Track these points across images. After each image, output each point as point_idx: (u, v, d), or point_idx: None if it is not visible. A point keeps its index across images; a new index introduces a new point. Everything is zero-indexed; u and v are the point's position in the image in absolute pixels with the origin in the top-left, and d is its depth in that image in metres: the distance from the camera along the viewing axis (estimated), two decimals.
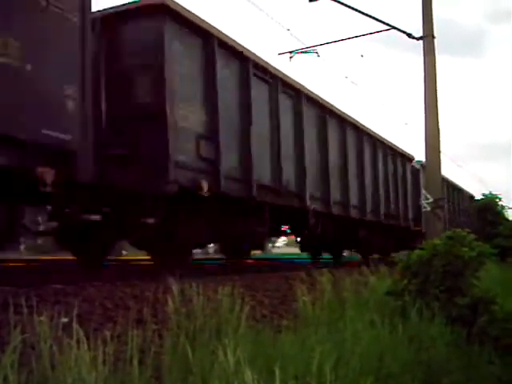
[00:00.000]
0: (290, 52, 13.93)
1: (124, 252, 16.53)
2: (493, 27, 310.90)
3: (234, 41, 9.31)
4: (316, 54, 14.10)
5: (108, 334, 2.77)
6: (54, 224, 7.67)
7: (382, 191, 15.98)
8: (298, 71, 28.25)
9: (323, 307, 5.52)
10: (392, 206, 16.92)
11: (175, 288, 3.93)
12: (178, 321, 3.57)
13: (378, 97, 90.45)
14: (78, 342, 2.57)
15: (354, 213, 13.81)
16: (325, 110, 12.67)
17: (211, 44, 8.55)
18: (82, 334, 2.62)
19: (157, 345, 3.18)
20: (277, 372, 2.55)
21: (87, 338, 2.75)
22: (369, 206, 14.84)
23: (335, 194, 12.90)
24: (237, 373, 2.60)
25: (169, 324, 3.63)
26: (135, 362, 2.56)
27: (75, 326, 2.68)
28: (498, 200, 25.27)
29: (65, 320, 3.36)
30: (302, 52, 13.96)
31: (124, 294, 5.15)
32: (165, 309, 3.93)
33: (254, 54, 9.85)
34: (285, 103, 10.88)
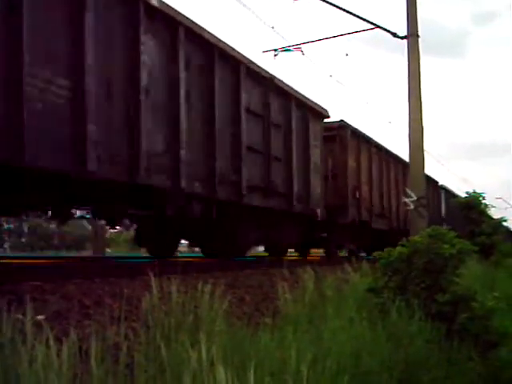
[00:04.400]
0: (275, 50, 13.87)
1: (108, 250, 16.51)
2: (476, 29, 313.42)
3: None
4: (301, 52, 14.06)
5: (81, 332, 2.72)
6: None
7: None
8: (282, 69, 28.24)
9: (304, 305, 5.51)
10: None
11: (154, 285, 3.90)
12: (155, 318, 3.54)
13: (362, 96, 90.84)
14: (47, 341, 2.52)
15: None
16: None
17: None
18: (50, 333, 2.57)
19: (132, 342, 3.15)
20: (251, 369, 2.53)
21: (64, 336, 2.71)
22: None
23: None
24: (210, 370, 2.57)
25: (145, 321, 3.60)
26: (93, 362, 2.50)
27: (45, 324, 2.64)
28: (481, 198, 25.29)
29: (41, 317, 3.32)
30: (285, 50, 13.91)
31: (103, 292, 5.09)
32: (142, 305, 3.88)
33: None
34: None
